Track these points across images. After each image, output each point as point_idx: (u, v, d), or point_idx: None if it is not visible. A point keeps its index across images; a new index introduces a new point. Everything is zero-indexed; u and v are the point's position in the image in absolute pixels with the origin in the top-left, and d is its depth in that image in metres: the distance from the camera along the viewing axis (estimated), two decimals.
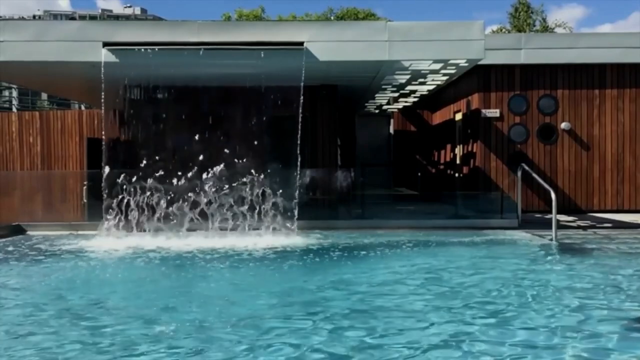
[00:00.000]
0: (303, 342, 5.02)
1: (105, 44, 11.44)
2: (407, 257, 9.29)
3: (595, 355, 4.79)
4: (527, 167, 12.73)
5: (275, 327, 5.47)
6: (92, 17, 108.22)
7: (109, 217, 11.03)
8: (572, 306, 6.21)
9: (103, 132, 13.13)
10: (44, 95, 75.44)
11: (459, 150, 17.37)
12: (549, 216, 11.59)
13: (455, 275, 7.92)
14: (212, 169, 11.22)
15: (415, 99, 18.66)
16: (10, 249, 10.27)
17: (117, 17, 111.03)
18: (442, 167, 19.62)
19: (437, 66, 12.80)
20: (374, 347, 4.92)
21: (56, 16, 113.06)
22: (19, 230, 12.09)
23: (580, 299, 6.54)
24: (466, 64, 12.68)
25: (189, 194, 11.09)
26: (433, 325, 5.55)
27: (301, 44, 11.42)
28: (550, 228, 10.72)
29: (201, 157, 11.42)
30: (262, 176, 11.30)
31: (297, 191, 11.45)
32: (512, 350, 4.84)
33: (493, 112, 15.18)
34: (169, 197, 11.10)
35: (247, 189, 11.20)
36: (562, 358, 4.70)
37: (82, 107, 31.25)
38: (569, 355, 4.75)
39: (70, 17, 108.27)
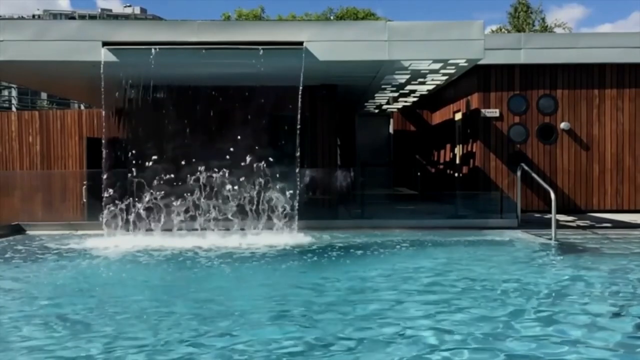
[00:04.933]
0: None
1: (105, 44, 11.44)
2: (406, 257, 9.31)
3: (594, 354, 4.80)
4: (526, 167, 12.74)
5: None
6: (92, 17, 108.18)
7: (109, 216, 11.03)
8: (572, 306, 6.22)
9: (103, 132, 13.13)
10: (44, 95, 75.41)
11: (458, 150, 17.38)
12: (548, 216, 11.60)
13: (454, 275, 7.92)
14: (212, 169, 11.23)
15: (415, 99, 18.67)
16: (10, 248, 10.28)
17: (117, 17, 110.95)
18: (441, 167, 19.63)
19: (437, 66, 12.81)
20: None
21: (56, 16, 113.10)
22: (19, 230, 12.10)
23: (580, 298, 6.55)
24: (466, 64, 12.68)
25: (190, 194, 11.10)
26: (425, 323, 5.58)
27: (301, 43, 11.42)
28: (550, 228, 10.73)
29: (201, 157, 11.42)
30: (262, 175, 11.30)
31: (297, 191, 11.46)
32: (511, 350, 4.85)
33: (493, 112, 15.18)
34: (169, 197, 11.10)
35: (248, 188, 11.21)
36: (562, 357, 4.72)
37: (82, 107, 31.22)
38: (568, 355, 4.76)
39: (70, 17, 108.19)
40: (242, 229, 11.09)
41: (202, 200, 11.12)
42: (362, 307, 6.22)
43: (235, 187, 11.25)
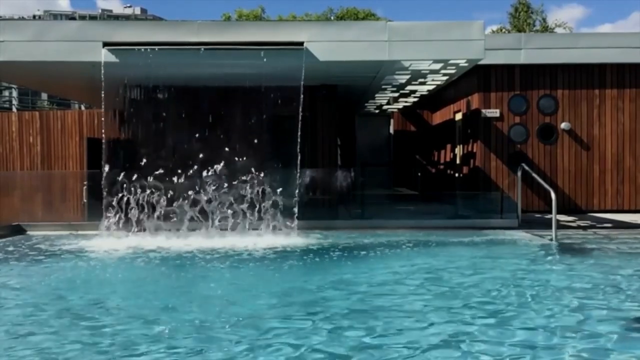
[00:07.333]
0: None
1: (105, 44, 11.44)
2: (407, 257, 9.31)
3: (594, 355, 4.79)
4: (527, 167, 12.74)
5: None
6: (92, 17, 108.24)
7: (109, 216, 11.02)
8: (572, 306, 6.22)
9: (103, 132, 13.12)
10: (44, 95, 75.46)
11: (459, 150, 17.37)
12: (548, 216, 11.59)
13: (455, 275, 7.92)
14: (212, 169, 11.23)
15: (415, 99, 18.66)
16: (11, 248, 10.27)
17: (117, 17, 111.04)
18: (442, 167, 19.63)
19: (437, 66, 12.81)
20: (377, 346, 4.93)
21: (56, 16, 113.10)
22: (19, 230, 12.09)
23: (580, 298, 6.54)
24: (466, 64, 12.68)
25: (189, 194, 11.09)
26: (432, 324, 5.57)
27: (301, 44, 11.42)
28: (550, 228, 10.72)
29: (201, 157, 11.43)
30: (262, 176, 11.30)
31: (297, 191, 11.45)
32: (512, 350, 4.85)
33: (493, 112, 15.18)
34: (169, 197, 11.10)
35: (248, 189, 11.21)
36: (562, 358, 4.71)
37: (82, 107, 31.21)
38: (568, 355, 4.75)
39: (70, 17, 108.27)
40: (242, 230, 11.07)
41: (202, 200, 11.11)
42: (368, 308, 6.21)
43: (235, 187, 11.24)
